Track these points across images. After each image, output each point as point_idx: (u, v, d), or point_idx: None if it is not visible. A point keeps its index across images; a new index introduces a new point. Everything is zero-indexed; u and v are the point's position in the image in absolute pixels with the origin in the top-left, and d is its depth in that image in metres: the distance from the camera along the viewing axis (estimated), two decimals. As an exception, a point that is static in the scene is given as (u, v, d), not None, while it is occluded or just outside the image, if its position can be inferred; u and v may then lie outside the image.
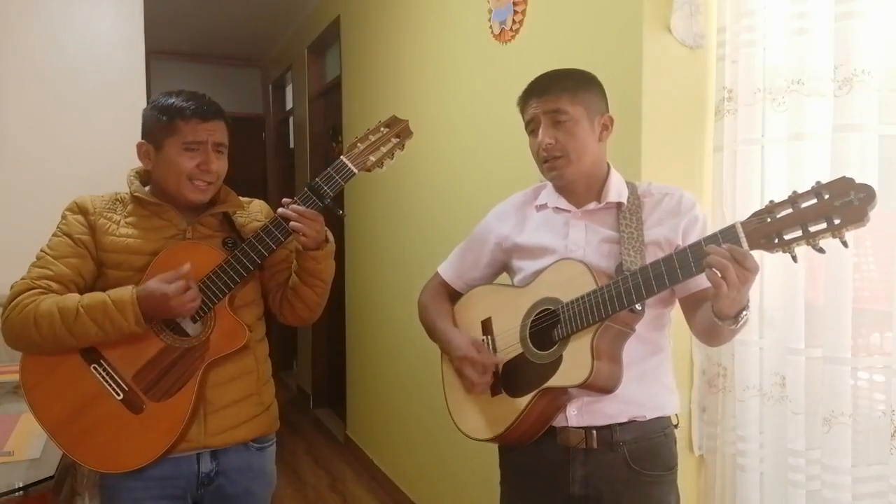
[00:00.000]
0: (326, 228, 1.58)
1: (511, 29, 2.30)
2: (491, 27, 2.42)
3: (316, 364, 5.13)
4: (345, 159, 1.56)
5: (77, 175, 3.12)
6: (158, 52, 5.32)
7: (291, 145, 5.85)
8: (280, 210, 1.53)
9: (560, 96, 1.45)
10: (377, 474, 3.70)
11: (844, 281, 1.50)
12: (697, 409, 1.90)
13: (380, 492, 3.60)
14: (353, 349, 4.18)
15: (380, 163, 1.60)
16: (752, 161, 1.73)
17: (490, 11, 2.42)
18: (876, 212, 1.09)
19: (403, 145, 1.63)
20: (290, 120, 5.90)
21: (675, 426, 1.52)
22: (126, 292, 1.45)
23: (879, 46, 1.48)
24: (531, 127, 1.49)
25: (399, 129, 1.62)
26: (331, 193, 1.55)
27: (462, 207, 2.70)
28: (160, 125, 1.54)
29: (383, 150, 1.60)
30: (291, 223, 1.51)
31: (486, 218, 1.67)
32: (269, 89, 6.19)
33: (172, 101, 1.55)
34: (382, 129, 1.61)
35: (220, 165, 1.57)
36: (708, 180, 1.86)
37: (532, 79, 1.56)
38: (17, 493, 1.62)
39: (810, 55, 1.59)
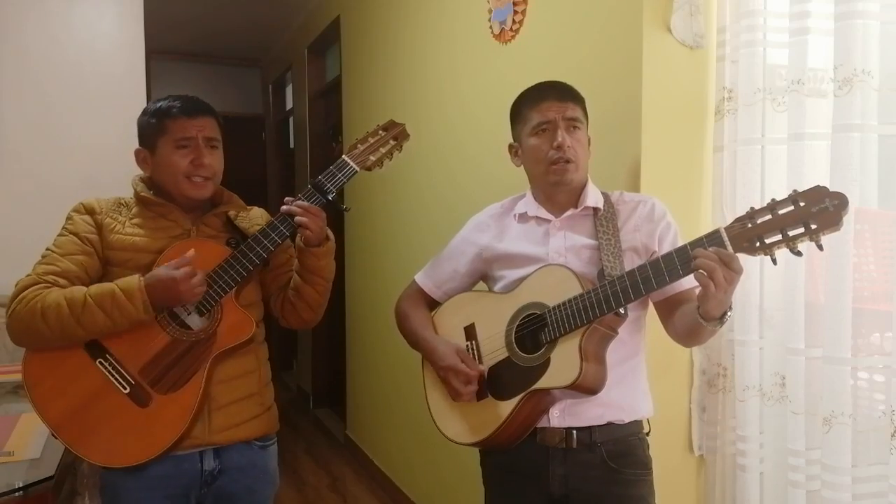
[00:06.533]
0: (327, 227, 1.61)
1: (511, 29, 2.30)
2: (491, 27, 2.42)
3: (316, 364, 5.13)
4: (346, 158, 1.63)
5: (77, 175, 3.12)
6: (158, 52, 5.31)
7: (291, 145, 5.84)
8: (284, 207, 1.57)
9: (577, 106, 1.52)
10: (377, 474, 3.70)
11: (844, 281, 1.50)
12: (697, 409, 1.90)
13: (380, 492, 3.59)
14: (352, 349, 4.18)
15: (379, 162, 1.67)
16: (752, 161, 1.72)
17: (490, 11, 2.42)
18: (876, 212, 1.09)
19: (401, 147, 1.70)
20: (290, 120, 5.90)
21: (647, 433, 1.55)
22: (133, 280, 1.47)
23: (879, 46, 1.48)
24: (543, 127, 1.50)
25: (396, 132, 1.69)
26: (333, 189, 1.60)
27: (462, 207, 2.70)
28: (151, 128, 1.59)
29: (382, 151, 1.66)
30: (297, 218, 1.55)
31: (464, 229, 1.70)
32: (269, 89, 6.18)
33: (160, 104, 1.60)
34: (381, 132, 1.68)
35: (213, 160, 1.59)
36: (708, 180, 1.86)
37: (531, 79, 1.57)
38: (17, 493, 1.63)
39: (810, 55, 1.59)
